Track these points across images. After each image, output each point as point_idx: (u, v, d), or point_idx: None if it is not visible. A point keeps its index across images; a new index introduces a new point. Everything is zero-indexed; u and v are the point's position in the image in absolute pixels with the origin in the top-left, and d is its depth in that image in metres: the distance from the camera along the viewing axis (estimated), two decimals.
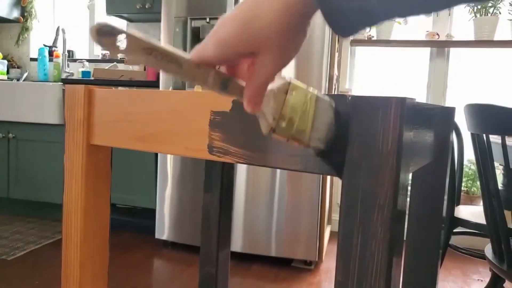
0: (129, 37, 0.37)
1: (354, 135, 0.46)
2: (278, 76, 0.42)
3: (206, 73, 0.41)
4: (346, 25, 0.38)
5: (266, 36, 0.38)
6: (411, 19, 2.81)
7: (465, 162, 2.68)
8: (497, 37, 2.60)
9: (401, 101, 0.44)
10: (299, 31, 0.39)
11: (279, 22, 0.38)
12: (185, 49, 2.34)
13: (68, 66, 3.33)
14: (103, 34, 0.36)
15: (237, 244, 2.30)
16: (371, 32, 2.85)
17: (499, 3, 2.57)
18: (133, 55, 0.37)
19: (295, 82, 0.43)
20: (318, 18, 0.39)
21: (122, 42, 0.37)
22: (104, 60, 3.39)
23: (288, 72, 2.16)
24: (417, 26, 2.84)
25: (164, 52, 0.39)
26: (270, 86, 0.42)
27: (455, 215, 1.83)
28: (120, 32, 0.36)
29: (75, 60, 3.44)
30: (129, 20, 3.28)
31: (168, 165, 2.41)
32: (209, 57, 0.40)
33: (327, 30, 2.10)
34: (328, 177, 2.36)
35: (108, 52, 3.41)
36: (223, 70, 0.43)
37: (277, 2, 0.37)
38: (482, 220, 1.73)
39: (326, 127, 0.45)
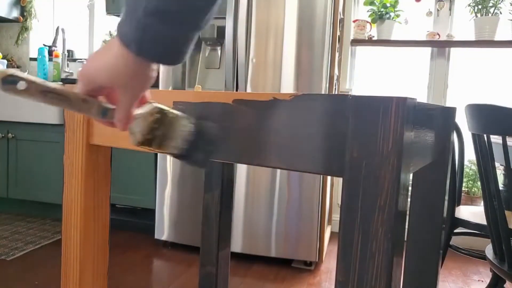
0: (29, 83, 0.47)
1: (354, 135, 0.46)
2: (149, 103, 0.55)
3: (91, 104, 0.53)
4: (172, 58, 0.49)
5: (109, 79, 0.50)
6: (412, 19, 2.81)
7: (466, 163, 2.67)
8: (497, 37, 2.60)
9: (402, 101, 0.44)
10: (139, 75, 0.50)
11: (113, 71, 0.49)
12: None
13: (67, 65, 3.33)
14: (6, 83, 0.45)
15: (237, 244, 2.30)
16: (372, 32, 2.84)
17: (500, 3, 2.56)
18: (32, 97, 0.47)
19: (160, 106, 0.55)
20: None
21: (22, 86, 0.46)
22: None
23: (289, 71, 2.16)
24: (418, 26, 2.83)
25: (57, 93, 0.50)
26: (141, 110, 0.54)
27: (455, 216, 1.83)
28: (21, 79, 0.46)
29: (74, 60, 3.43)
30: None
31: (168, 165, 2.41)
32: (81, 90, 0.52)
33: (328, 30, 2.10)
34: (329, 177, 2.36)
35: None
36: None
37: (110, 56, 0.49)
38: (482, 220, 1.73)
39: (183, 138, 0.57)
